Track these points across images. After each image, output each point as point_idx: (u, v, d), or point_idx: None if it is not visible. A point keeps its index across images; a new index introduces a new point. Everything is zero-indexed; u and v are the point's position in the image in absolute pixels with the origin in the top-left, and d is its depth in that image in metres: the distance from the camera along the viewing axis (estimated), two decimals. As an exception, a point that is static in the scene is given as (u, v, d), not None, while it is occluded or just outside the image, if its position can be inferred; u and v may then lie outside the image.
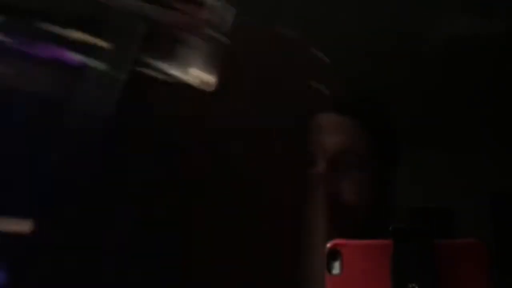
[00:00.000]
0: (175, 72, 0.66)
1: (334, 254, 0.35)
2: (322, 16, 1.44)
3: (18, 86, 0.61)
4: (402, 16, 1.46)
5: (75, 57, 0.63)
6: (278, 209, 0.60)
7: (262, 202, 0.60)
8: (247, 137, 0.63)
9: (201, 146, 0.62)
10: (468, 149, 2.13)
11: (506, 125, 1.88)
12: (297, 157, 0.62)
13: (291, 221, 0.59)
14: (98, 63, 0.63)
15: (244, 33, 0.67)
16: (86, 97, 0.63)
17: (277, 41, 0.68)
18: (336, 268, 0.35)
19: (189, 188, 0.62)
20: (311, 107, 0.65)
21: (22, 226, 0.57)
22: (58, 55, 0.63)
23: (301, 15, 1.42)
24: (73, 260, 0.58)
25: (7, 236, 0.56)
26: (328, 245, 0.35)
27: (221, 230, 0.60)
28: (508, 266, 1.58)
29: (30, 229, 0.57)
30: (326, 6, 1.43)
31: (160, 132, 0.63)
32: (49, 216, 0.59)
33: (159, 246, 0.60)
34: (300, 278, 0.56)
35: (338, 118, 0.63)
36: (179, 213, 0.62)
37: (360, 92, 0.69)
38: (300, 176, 0.61)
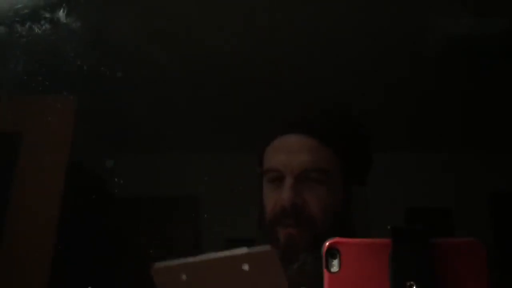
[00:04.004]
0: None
1: (332, 252, 0.35)
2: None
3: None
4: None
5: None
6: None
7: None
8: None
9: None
10: (468, 149, 2.12)
11: (506, 125, 1.88)
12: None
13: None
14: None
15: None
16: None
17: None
18: (335, 266, 0.35)
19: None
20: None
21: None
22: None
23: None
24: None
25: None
26: (327, 243, 0.35)
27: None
28: (508, 266, 1.58)
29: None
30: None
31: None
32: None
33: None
34: None
35: (305, 139, 0.67)
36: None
37: (329, 114, 0.72)
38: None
